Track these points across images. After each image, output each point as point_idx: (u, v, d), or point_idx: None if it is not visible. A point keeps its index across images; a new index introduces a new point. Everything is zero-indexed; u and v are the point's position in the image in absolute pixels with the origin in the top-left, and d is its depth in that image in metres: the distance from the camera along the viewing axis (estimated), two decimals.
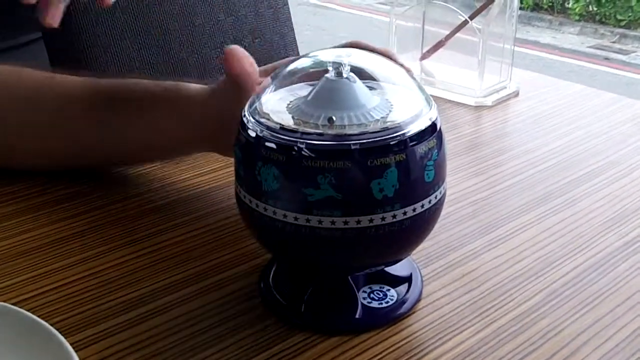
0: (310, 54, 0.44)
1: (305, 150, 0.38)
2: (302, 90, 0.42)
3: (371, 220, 0.38)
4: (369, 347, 0.42)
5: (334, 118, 0.39)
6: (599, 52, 5.32)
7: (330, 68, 0.41)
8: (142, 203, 0.57)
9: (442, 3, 0.83)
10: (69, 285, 0.47)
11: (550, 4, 6.18)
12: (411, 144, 0.39)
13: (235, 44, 0.91)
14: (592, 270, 0.49)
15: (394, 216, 0.39)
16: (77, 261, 0.50)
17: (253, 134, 0.40)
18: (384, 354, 0.41)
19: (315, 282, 0.44)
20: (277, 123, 0.40)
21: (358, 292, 0.44)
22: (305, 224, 0.38)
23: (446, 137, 0.42)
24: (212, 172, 0.62)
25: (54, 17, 0.49)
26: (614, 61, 5.09)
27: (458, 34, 0.81)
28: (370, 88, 0.42)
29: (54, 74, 0.59)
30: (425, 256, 0.50)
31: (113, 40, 0.83)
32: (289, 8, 0.99)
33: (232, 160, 0.44)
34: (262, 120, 0.40)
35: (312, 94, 0.41)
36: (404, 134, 0.39)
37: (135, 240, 0.52)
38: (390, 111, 0.41)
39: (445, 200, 0.44)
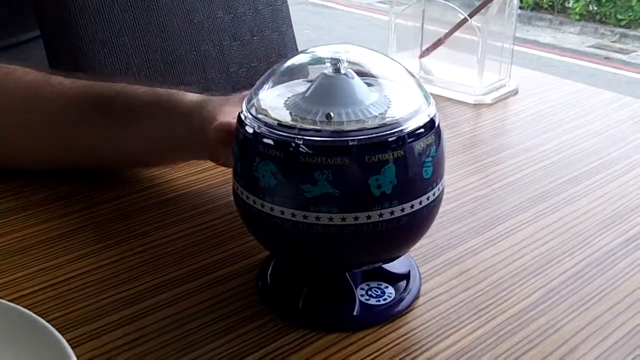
0: (308, 50, 0.44)
1: (303, 146, 0.38)
2: (300, 86, 0.42)
3: (369, 217, 0.38)
4: (367, 344, 0.42)
5: (331, 114, 0.39)
6: (599, 51, 5.32)
7: (328, 64, 0.41)
8: (139, 200, 0.57)
9: (441, 1, 0.83)
10: (66, 282, 0.47)
11: (551, 3, 6.18)
12: (409, 140, 0.39)
13: (234, 41, 0.92)
14: (590, 268, 0.49)
15: (392, 213, 0.39)
16: (74, 258, 0.50)
17: (251, 131, 0.40)
18: (381, 351, 0.41)
19: (313, 279, 0.44)
20: (275, 119, 0.39)
21: (356, 289, 0.44)
22: (303, 220, 0.38)
23: (445, 135, 0.42)
24: (210, 170, 0.62)
25: None
26: (614, 61, 5.09)
27: (457, 32, 0.81)
28: (369, 84, 0.42)
29: (50, 75, 0.59)
30: (424, 253, 0.50)
31: (111, 37, 0.83)
32: (287, 5, 0.99)
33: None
34: (260, 116, 0.40)
35: (310, 90, 0.41)
36: (402, 130, 0.39)
37: (133, 237, 0.52)
38: (388, 107, 0.40)
39: (444, 197, 0.43)
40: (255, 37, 0.93)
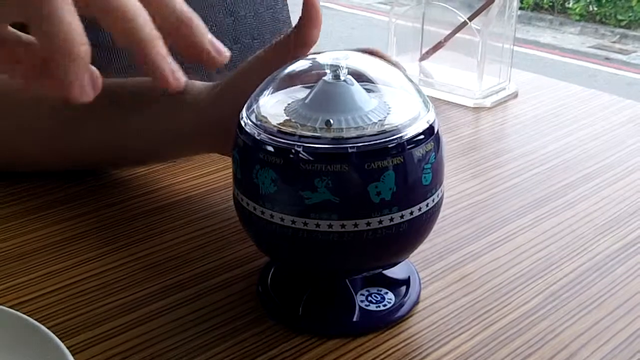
0: (308, 57, 0.44)
1: (303, 153, 0.38)
2: (300, 92, 0.42)
3: (368, 224, 0.38)
4: (367, 350, 0.42)
5: (331, 121, 0.39)
6: (599, 52, 5.32)
7: (327, 71, 0.41)
8: (140, 205, 0.57)
9: (441, 4, 0.83)
10: (67, 288, 0.47)
11: (551, 3, 6.18)
12: (409, 147, 0.39)
13: (235, 44, 0.92)
14: (590, 273, 0.49)
15: (392, 219, 0.39)
16: (74, 264, 0.50)
17: (250, 137, 0.40)
18: (381, 357, 0.41)
19: (313, 285, 0.44)
20: (275, 126, 0.40)
21: (356, 295, 0.44)
22: (303, 227, 0.38)
23: (445, 138, 0.42)
24: (211, 174, 0.62)
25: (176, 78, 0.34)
26: (615, 61, 5.09)
27: (457, 35, 0.81)
28: (368, 90, 0.42)
29: None
30: (423, 259, 0.50)
31: (112, 40, 0.83)
32: (288, 9, 0.99)
33: (230, 162, 0.43)
34: (260, 123, 0.40)
35: (309, 96, 0.41)
36: (401, 137, 0.39)
37: (133, 242, 0.52)
38: (387, 114, 0.40)
39: (444, 202, 0.44)
40: (255, 41, 0.93)
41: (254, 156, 0.39)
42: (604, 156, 0.67)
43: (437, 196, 0.41)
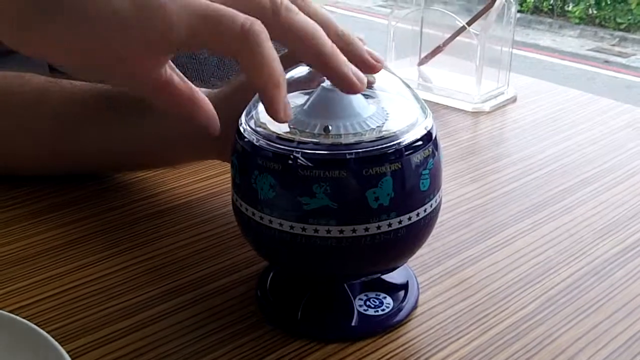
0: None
1: (301, 159, 0.38)
2: (299, 99, 0.43)
3: (367, 229, 0.38)
4: (365, 355, 0.42)
5: (330, 127, 0.39)
6: (598, 55, 5.33)
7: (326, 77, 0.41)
8: (139, 210, 0.57)
9: (440, 9, 0.83)
10: (67, 292, 0.47)
11: (550, 7, 6.19)
12: (406, 153, 0.39)
13: None
14: (588, 277, 0.49)
15: (390, 225, 0.39)
16: (74, 268, 0.50)
17: (249, 143, 0.40)
18: None
19: (311, 289, 0.44)
20: (273, 132, 0.40)
21: (354, 300, 0.44)
22: (301, 232, 0.39)
23: (443, 143, 0.43)
24: (209, 179, 0.62)
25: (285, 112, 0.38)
26: (614, 64, 5.10)
27: (456, 40, 0.82)
28: (366, 96, 0.42)
29: (59, 80, 0.60)
30: (422, 263, 0.50)
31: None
32: None
33: (229, 167, 0.44)
34: (259, 129, 0.40)
35: (308, 103, 0.41)
36: (399, 143, 0.39)
37: (133, 247, 0.52)
38: (386, 120, 0.41)
39: (442, 206, 0.44)
40: None
41: (252, 162, 0.40)
42: (603, 160, 0.67)
43: (435, 201, 0.41)
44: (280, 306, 0.45)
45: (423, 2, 0.84)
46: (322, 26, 0.40)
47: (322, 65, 0.39)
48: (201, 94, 0.43)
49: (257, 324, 0.44)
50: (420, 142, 0.40)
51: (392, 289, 0.46)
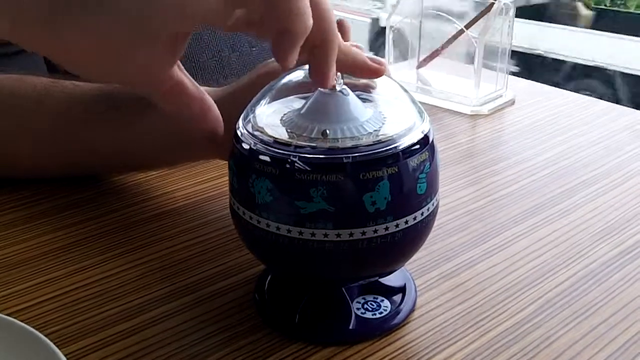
0: (305, 67, 0.44)
1: (299, 163, 0.38)
2: (296, 102, 0.43)
3: (364, 233, 0.39)
4: (363, 358, 0.42)
5: (327, 131, 0.39)
6: None
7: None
8: (137, 213, 0.58)
9: (438, 12, 0.83)
10: (65, 296, 0.47)
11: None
12: (403, 157, 0.39)
13: (233, 52, 0.92)
14: (586, 280, 0.49)
15: (387, 228, 0.39)
16: (72, 271, 0.50)
17: (247, 147, 0.40)
18: None
19: (309, 293, 0.45)
20: (271, 136, 0.40)
21: (352, 303, 0.44)
22: (298, 236, 0.39)
23: (441, 146, 0.43)
24: (208, 182, 0.62)
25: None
26: None
27: (454, 43, 0.82)
28: (364, 100, 0.42)
29: (60, 80, 0.60)
30: (419, 266, 0.50)
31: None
32: None
33: (227, 170, 0.44)
34: (256, 133, 0.41)
35: (305, 107, 0.41)
36: (396, 147, 0.39)
37: (131, 250, 0.53)
38: (383, 124, 0.41)
39: (440, 209, 0.44)
40: (254, 49, 0.93)
41: (250, 166, 0.40)
42: (601, 163, 0.67)
43: (432, 205, 0.42)
44: (278, 309, 0.45)
45: (422, 5, 0.85)
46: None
47: (320, 52, 0.39)
48: (210, 98, 0.43)
49: (255, 327, 0.44)
50: (417, 146, 0.40)
51: (390, 292, 0.46)
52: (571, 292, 0.48)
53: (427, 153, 0.40)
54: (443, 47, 0.83)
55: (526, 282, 0.49)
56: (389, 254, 0.41)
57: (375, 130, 0.40)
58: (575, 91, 0.89)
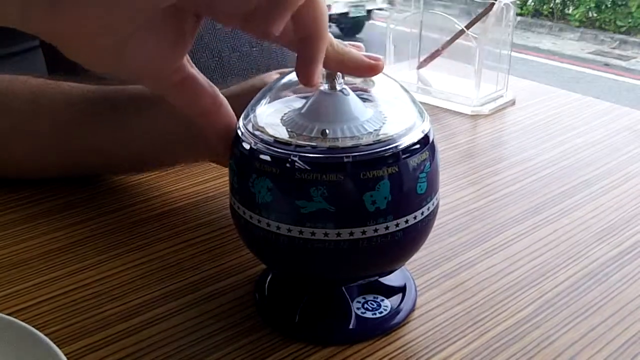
0: None
1: (299, 162, 0.38)
2: (296, 102, 0.43)
3: (364, 232, 0.39)
4: (363, 358, 0.42)
5: (327, 131, 0.39)
6: (598, 58, 5.33)
7: (324, 81, 0.41)
8: (137, 213, 0.58)
9: (439, 12, 0.83)
10: (65, 296, 0.47)
11: (551, 10, 6.19)
12: (404, 156, 0.39)
13: (233, 52, 0.92)
14: (586, 280, 0.49)
15: (387, 228, 0.39)
16: (72, 271, 0.50)
17: (247, 147, 0.40)
18: None
19: (309, 292, 0.45)
20: (271, 136, 0.40)
21: (352, 303, 0.44)
22: (299, 235, 0.39)
23: (442, 146, 0.43)
24: (207, 182, 0.62)
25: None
26: (614, 67, 5.10)
27: (455, 43, 0.82)
28: (364, 100, 0.42)
29: (57, 82, 0.60)
30: (420, 266, 0.50)
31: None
32: None
33: (227, 170, 0.44)
34: (257, 132, 0.41)
35: (305, 106, 0.41)
36: (396, 146, 0.39)
37: (131, 250, 0.53)
38: (383, 124, 0.41)
39: (440, 209, 0.44)
40: (254, 49, 0.93)
41: (250, 165, 0.40)
42: (601, 163, 0.67)
43: (433, 205, 0.42)
44: (278, 309, 0.45)
45: (422, 5, 0.85)
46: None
47: (305, 44, 0.38)
48: (220, 93, 0.43)
49: (255, 327, 0.44)
50: (417, 146, 0.40)
51: (390, 292, 0.46)
52: (571, 292, 0.48)
53: (427, 153, 0.40)
54: (443, 47, 0.83)
55: (526, 282, 0.49)
56: (389, 254, 0.41)
57: (376, 130, 0.40)
58: None
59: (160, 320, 0.45)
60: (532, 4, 6.18)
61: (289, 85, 0.44)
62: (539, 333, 0.44)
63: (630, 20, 5.70)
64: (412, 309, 0.46)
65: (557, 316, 0.46)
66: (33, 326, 0.40)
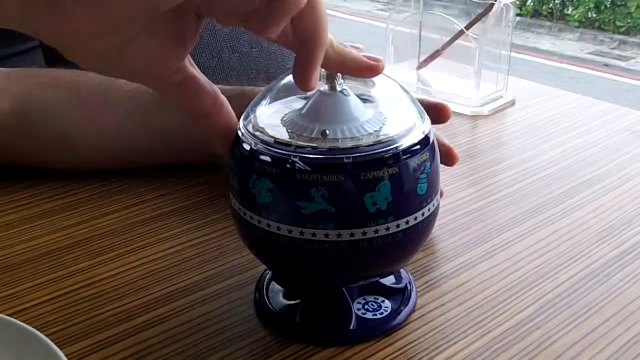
0: None
1: (299, 163, 0.38)
2: (297, 103, 0.43)
3: (364, 233, 0.39)
4: (364, 359, 0.42)
5: (327, 131, 0.39)
6: (598, 58, 5.33)
7: (324, 81, 0.41)
8: (138, 214, 0.58)
9: (438, 12, 0.83)
10: (65, 296, 0.47)
11: (550, 10, 6.20)
12: (404, 157, 0.39)
13: (233, 53, 0.92)
14: (586, 281, 0.49)
15: (387, 229, 0.39)
16: (73, 272, 0.50)
17: (247, 148, 0.40)
18: None
19: (309, 293, 0.45)
20: (271, 137, 0.40)
21: (352, 303, 0.44)
22: (299, 236, 0.39)
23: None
24: (208, 183, 0.62)
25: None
26: (613, 67, 5.10)
27: (454, 43, 0.82)
28: (365, 100, 0.42)
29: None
30: (420, 267, 0.50)
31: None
32: None
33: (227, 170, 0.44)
34: (257, 133, 0.41)
35: (306, 107, 0.41)
36: (396, 147, 0.39)
37: (131, 251, 0.53)
38: (383, 124, 0.41)
39: (441, 210, 0.44)
40: (254, 49, 0.93)
41: (250, 166, 0.40)
42: (601, 164, 0.67)
43: (433, 205, 0.42)
44: (278, 310, 0.45)
45: (422, 5, 0.85)
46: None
47: (306, 46, 0.38)
48: (222, 94, 0.43)
49: (256, 328, 0.44)
50: (417, 147, 0.40)
51: (390, 293, 0.46)
52: (571, 293, 0.48)
53: (427, 153, 0.40)
54: (443, 47, 0.83)
55: (526, 282, 0.49)
56: (390, 254, 0.41)
57: (376, 131, 0.40)
58: None
59: (161, 321, 0.45)
60: (531, 4, 6.19)
61: (289, 86, 0.44)
62: (540, 334, 0.44)
63: (629, 21, 5.71)
64: (413, 310, 0.46)
65: (558, 317, 0.46)
66: (34, 327, 0.40)
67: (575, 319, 0.46)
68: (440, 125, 0.61)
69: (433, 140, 0.42)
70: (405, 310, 0.45)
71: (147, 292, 0.48)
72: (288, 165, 0.38)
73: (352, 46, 0.44)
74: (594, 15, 5.95)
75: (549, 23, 6.07)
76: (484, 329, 0.44)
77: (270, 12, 0.35)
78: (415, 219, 0.40)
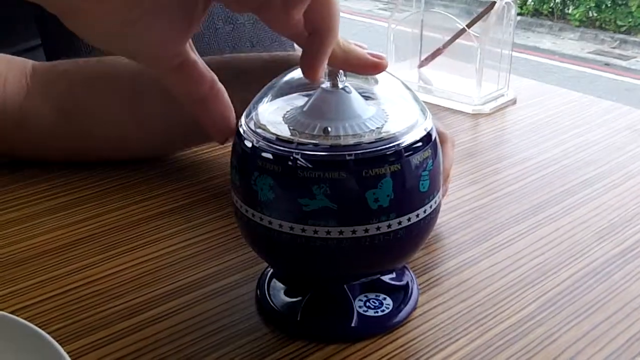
0: None
1: (301, 160, 0.38)
2: (299, 100, 0.43)
3: (366, 230, 0.39)
4: (365, 356, 0.42)
5: (329, 129, 0.39)
6: (598, 57, 5.33)
7: (326, 79, 0.41)
8: (139, 211, 0.58)
9: (440, 11, 0.83)
10: (67, 294, 0.47)
11: (550, 9, 6.19)
12: (406, 154, 0.39)
13: (234, 52, 0.92)
14: (588, 279, 0.49)
15: (389, 226, 0.39)
16: (74, 270, 0.50)
17: (249, 145, 0.40)
18: None
19: (311, 290, 0.45)
20: (273, 134, 0.40)
21: (354, 301, 0.44)
22: (301, 233, 0.39)
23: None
24: (210, 180, 0.62)
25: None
26: (614, 67, 5.10)
27: (456, 42, 0.82)
28: (367, 98, 0.42)
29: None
30: (422, 264, 0.50)
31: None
32: None
33: (229, 168, 0.44)
34: (259, 130, 0.41)
35: (308, 104, 0.41)
36: (399, 144, 0.39)
37: (132, 248, 0.53)
38: (385, 121, 0.41)
39: (442, 208, 0.44)
40: (254, 48, 0.93)
41: (252, 163, 0.40)
42: (603, 162, 0.67)
43: (435, 203, 0.42)
44: (280, 307, 0.45)
45: (423, 4, 0.85)
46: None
47: (315, 37, 0.38)
48: (220, 84, 0.43)
49: (257, 326, 0.44)
50: (419, 144, 0.40)
51: (392, 290, 0.46)
52: (573, 291, 0.48)
53: (429, 150, 0.40)
54: (444, 46, 0.83)
55: (528, 280, 0.49)
56: (392, 252, 0.41)
57: (378, 128, 0.40)
58: None
59: (162, 319, 0.45)
60: (532, 3, 6.18)
61: (291, 83, 0.44)
62: (541, 331, 0.44)
63: (630, 20, 5.70)
64: (414, 308, 0.46)
65: (559, 314, 0.46)
66: (35, 324, 0.40)
67: (577, 316, 0.46)
68: (442, 124, 0.61)
69: (435, 138, 0.41)
70: (407, 308, 0.45)
71: (148, 290, 0.48)
72: (290, 163, 0.38)
73: (355, 44, 0.44)
74: (595, 14, 5.95)
75: (549, 22, 6.07)
76: (486, 326, 0.44)
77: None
78: (417, 216, 0.40)
